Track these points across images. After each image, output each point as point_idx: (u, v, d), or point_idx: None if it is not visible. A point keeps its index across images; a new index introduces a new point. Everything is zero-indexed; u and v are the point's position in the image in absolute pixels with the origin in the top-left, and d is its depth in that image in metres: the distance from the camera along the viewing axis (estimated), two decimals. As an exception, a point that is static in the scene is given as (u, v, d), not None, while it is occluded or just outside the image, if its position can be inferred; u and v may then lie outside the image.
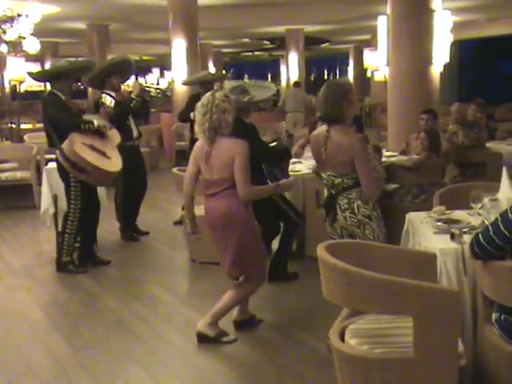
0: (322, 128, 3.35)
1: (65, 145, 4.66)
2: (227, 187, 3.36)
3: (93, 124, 4.79)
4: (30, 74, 5.31)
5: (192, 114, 6.26)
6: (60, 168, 4.84)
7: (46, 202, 5.42)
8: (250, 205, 3.48)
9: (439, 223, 3.10)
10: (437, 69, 6.43)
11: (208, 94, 3.41)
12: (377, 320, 2.63)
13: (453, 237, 2.86)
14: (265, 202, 3.97)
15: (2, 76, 17.03)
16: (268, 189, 3.66)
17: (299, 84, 14.43)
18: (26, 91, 17.08)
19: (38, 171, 7.42)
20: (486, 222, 2.91)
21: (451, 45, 6.72)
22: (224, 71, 18.88)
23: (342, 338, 2.51)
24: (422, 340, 2.26)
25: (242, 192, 3.32)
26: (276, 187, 3.59)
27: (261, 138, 4.28)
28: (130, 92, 5.96)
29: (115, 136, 5.03)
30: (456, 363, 2.31)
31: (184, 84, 8.66)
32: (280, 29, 16.25)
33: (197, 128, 3.40)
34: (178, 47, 10.41)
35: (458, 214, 3.28)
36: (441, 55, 6.34)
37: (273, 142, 4.74)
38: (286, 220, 4.49)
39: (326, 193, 3.44)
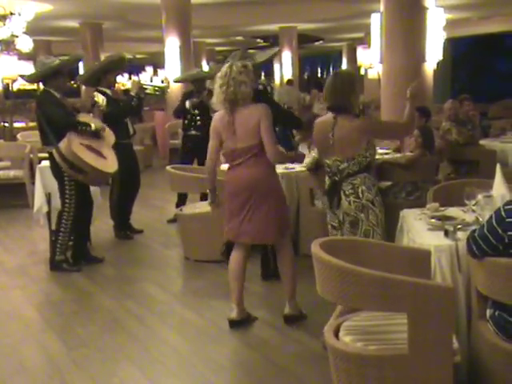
0: (327, 115, 3.45)
1: (63, 145, 4.64)
2: (253, 155, 3.45)
3: (90, 127, 4.78)
4: (23, 76, 5.29)
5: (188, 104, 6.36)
6: (53, 166, 4.82)
7: (39, 200, 5.40)
8: (274, 172, 3.61)
9: (433, 220, 3.10)
10: (430, 66, 6.44)
11: (226, 66, 3.48)
12: (371, 317, 2.64)
13: (447, 233, 2.87)
14: None
15: (-5, 75, 16.90)
16: (289, 155, 3.80)
17: (292, 82, 14.45)
18: (19, 90, 16.97)
19: (32, 170, 7.38)
20: (480, 219, 2.92)
21: (444, 42, 6.74)
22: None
23: (337, 335, 2.51)
24: (417, 337, 2.27)
25: (272, 153, 3.43)
26: (295, 156, 3.83)
27: (274, 100, 4.32)
28: (125, 90, 5.97)
29: (110, 136, 5.02)
30: (451, 360, 2.31)
31: (176, 81, 8.64)
32: (273, 27, 16.23)
33: (215, 99, 3.48)
34: (172, 45, 10.37)
35: (452, 211, 3.29)
36: (434, 53, 6.36)
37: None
38: None
39: (327, 181, 3.50)
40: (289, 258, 3.69)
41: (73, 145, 4.60)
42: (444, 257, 2.75)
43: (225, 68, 3.45)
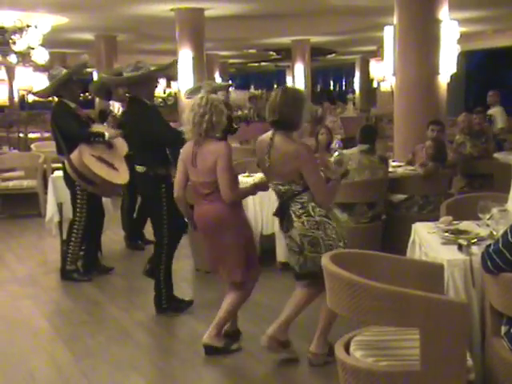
0: (266, 134, 3.20)
1: (74, 156, 4.67)
2: (213, 191, 3.32)
3: (103, 137, 4.79)
4: (36, 93, 5.35)
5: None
6: (66, 176, 4.85)
7: (50, 210, 5.44)
8: (240, 206, 3.44)
9: (446, 234, 3.05)
10: (444, 79, 6.41)
11: (203, 95, 3.39)
12: (383, 332, 2.59)
13: (460, 248, 2.82)
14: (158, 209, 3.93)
15: (11, 86, 17.15)
16: (249, 189, 3.50)
17: None
18: (34, 101, 17.17)
19: (45, 180, 7.44)
20: (495, 233, 2.87)
21: (458, 55, 6.71)
22: (230, 81, 18.95)
23: (348, 350, 2.47)
24: (429, 353, 2.22)
25: (225, 195, 3.26)
26: (255, 188, 3.50)
27: (165, 121, 4.09)
28: None
29: (123, 146, 5.03)
30: (464, 377, 2.26)
31: (188, 97, 8.63)
32: (286, 40, 16.28)
33: (189, 128, 3.35)
34: (185, 58, 10.44)
35: (466, 225, 3.24)
36: (448, 65, 6.33)
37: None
38: (157, 236, 4.09)
39: (277, 200, 3.27)
40: (241, 294, 3.49)
41: (84, 156, 4.63)
42: (457, 272, 2.70)
43: (203, 97, 3.35)
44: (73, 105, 4.85)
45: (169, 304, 4.11)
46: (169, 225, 3.99)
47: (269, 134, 3.15)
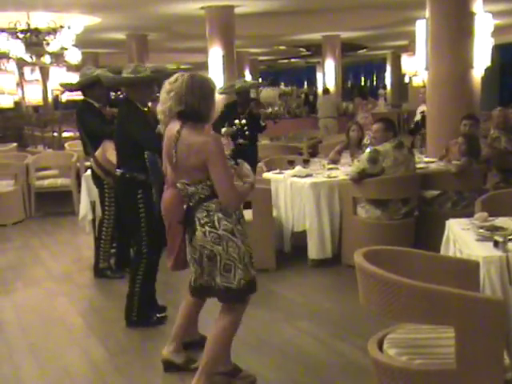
0: (174, 126, 2.82)
1: (98, 153, 4.75)
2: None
3: None
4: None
5: (224, 130, 6.09)
6: (94, 175, 4.92)
7: (84, 208, 5.54)
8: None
9: (482, 230, 2.99)
10: (477, 73, 6.28)
11: (177, 75, 3.07)
12: (417, 330, 2.56)
13: (496, 244, 2.76)
14: (132, 213, 3.80)
15: (45, 86, 17.51)
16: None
17: (328, 91, 14.51)
18: (68, 101, 17.48)
19: (78, 178, 7.58)
20: (532, 230, 2.80)
21: (493, 49, 6.55)
22: (260, 79, 18.99)
23: (381, 348, 2.44)
24: (465, 352, 2.18)
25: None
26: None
27: (151, 127, 3.73)
28: None
29: None
30: (501, 377, 2.22)
31: (220, 93, 8.67)
32: (316, 36, 16.19)
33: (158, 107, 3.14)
34: (215, 56, 10.48)
35: (502, 221, 3.16)
36: (482, 59, 6.19)
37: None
38: (137, 244, 3.87)
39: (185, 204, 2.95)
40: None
41: (107, 151, 4.69)
42: (494, 269, 2.64)
43: (174, 77, 3.02)
44: (97, 104, 4.93)
45: (139, 317, 3.93)
46: (148, 233, 3.76)
47: (177, 126, 2.79)
